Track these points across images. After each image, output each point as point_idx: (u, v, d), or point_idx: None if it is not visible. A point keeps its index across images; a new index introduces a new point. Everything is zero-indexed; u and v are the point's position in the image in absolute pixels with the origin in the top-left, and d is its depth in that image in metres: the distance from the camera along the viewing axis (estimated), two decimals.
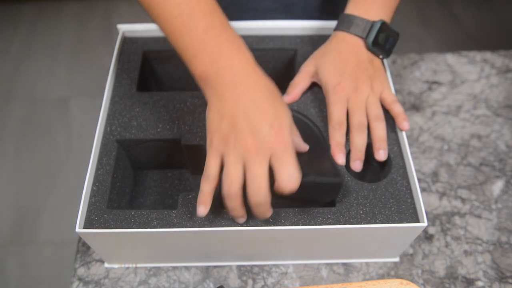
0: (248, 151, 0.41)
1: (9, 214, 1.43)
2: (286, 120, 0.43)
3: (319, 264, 0.57)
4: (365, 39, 0.56)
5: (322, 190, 0.48)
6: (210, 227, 0.47)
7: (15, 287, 1.29)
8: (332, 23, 0.64)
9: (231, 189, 0.42)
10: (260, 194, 0.41)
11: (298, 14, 0.75)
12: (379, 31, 0.55)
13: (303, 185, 0.43)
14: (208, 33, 0.44)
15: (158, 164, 0.62)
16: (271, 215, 0.46)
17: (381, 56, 0.58)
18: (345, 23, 0.57)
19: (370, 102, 0.54)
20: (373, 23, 0.56)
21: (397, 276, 0.56)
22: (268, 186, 0.42)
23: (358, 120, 0.53)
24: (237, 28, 0.64)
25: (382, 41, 0.56)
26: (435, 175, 0.65)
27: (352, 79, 0.54)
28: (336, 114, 0.53)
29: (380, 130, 0.53)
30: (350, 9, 0.58)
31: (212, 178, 0.43)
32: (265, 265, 0.57)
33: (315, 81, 0.58)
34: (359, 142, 0.53)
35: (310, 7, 0.73)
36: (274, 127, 0.42)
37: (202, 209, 0.44)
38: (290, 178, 0.41)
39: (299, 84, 0.57)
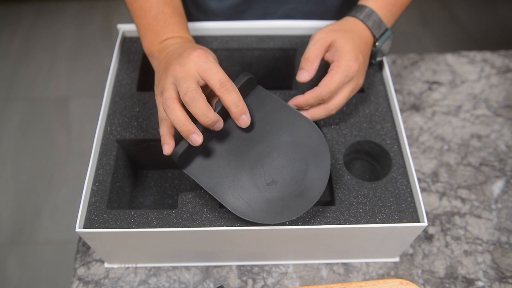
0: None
1: (9, 214, 1.43)
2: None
3: (319, 264, 0.57)
4: (376, 40, 0.56)
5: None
6: (210, 227, 0.47)
7: (15, 287, 1.29)
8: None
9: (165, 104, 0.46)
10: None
11: None
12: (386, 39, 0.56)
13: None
14: (157, 18, 0.54)
15: (158, 164, 0.62)
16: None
17: (373, 61, 0.59)
18: (366, 16, 0.55)
19: (346, 96, 0.54)
20: (386, 30, 0.56)
21: (397, 276, 0.56)
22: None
23: (335, 105, 0.52)
24: (237, 28, 0.64)
25: (378, 50, 0.57)
26: (435, 175, 0.65)
27: (359, 70, 0.53)
28: (335, 85, 0.51)
29: (322, 110, 0.53)
30: (372, 4, 0.56)
31: (164, 118, 0.48)
32: (265, 265, 0.57)
33: (326, 54, 0.54)
34: (317, 114, 0.53)
35: (327, 15, 0.73)
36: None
37: (167, 148, 0.47)
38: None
39: (317, 58, 0.52)
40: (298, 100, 0.52)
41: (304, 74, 0.52)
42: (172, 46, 0.52)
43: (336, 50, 0.52)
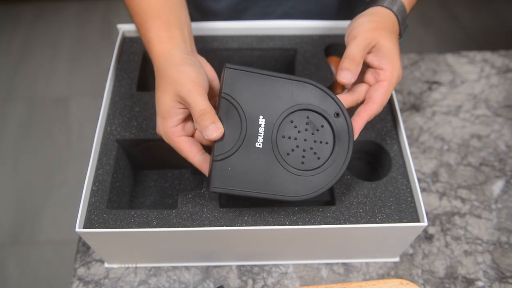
0: None
1: (9, 214, 1.43)
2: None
3: (319, 264, 0.57)
4: (401, 35, 0.52)
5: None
6: (210, 227, 0.47)
7: (15, 287, 1.29)
8: (330, 23, 0.64)
9: None
10: None
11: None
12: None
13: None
14: (139, 29, 0.52)
15: (158, 164, 0.62)
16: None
17: None
18: (399, 10, 0.51)
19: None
20: (406, 27, 0.53)
21: (397, 276, 0.56)
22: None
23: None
24: (237, 28, 0.64)
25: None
26: (435, 175, 0.65)
27: (399, 76, 0.49)
28: (388, 98, 0.48)
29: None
30: None
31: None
32: (265, 265, 0.57)
33: (368, 55, 0.49)
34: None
35: (325, 14, 0.73)
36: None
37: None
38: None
39: (362, 59, 0.47)
40: (357, 123, 0.47)
41: (349, 76, 0.46)
42: (156, 69, 0.49)
43: (384, 55, 0.48)
